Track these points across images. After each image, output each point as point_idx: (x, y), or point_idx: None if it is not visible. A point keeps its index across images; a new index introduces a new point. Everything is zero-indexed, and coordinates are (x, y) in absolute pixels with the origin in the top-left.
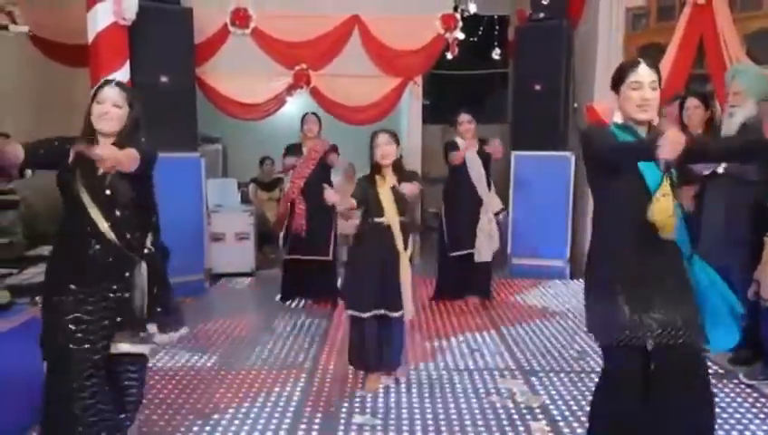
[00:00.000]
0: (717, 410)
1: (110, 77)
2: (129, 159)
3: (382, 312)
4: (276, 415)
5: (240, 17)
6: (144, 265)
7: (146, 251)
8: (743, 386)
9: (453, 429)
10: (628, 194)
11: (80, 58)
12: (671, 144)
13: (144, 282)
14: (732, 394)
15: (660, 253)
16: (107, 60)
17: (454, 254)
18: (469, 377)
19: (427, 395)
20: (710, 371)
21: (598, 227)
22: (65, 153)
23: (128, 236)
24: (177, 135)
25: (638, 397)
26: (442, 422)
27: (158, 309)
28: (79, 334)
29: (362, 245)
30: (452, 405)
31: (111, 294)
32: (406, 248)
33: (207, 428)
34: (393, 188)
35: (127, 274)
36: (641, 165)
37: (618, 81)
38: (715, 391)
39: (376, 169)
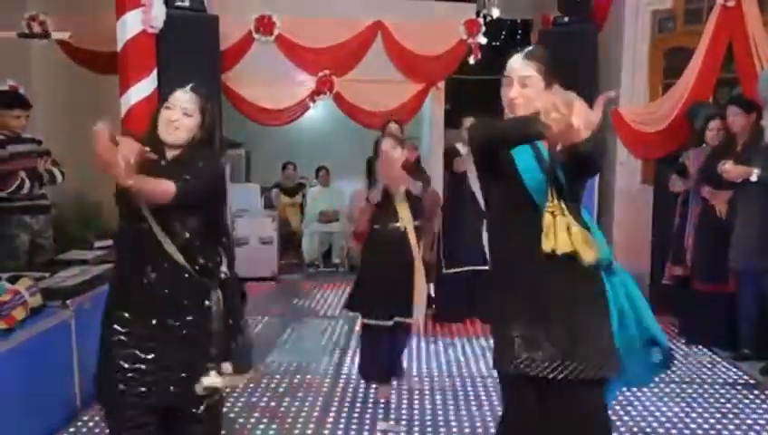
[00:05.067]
0: (749, 421)
1: (137, 84)
2: (149, 187)
3: (396, 320)
4: (300, 420)
5: (264, 24)
6: (219, 295)
7: (222, 276)
8: None
9: None
10: (512, 205)
11: (109, 65)
12: (565, 125)
13: (221, 313)
14: (764, 405)
15: (563, 274)
16: (135, 67)
17: (449, 271)
18: (493, 384)
19: (450, 402)
20: (741, 381)
21: (491, 247)
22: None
23: (201, 260)
24: None
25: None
26: (466, 430)
27: (234, 345)
28: (132, 375)
29: (375, 250)
30: (476, 412)
31: (181, 331)
32: (419, 253)
33: (233, 433)
34: (407, 192)
35: (206, 302)
36: (519, 164)
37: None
38: (746, 401)
39: None
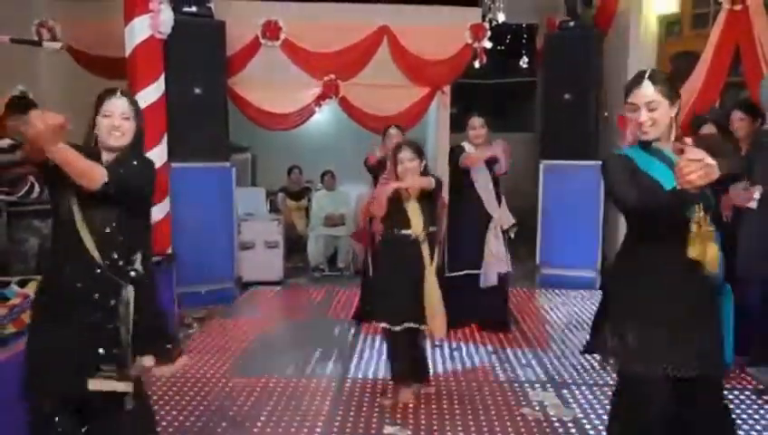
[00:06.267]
0: (758, 427)
1: (145, 89)
2: (78, 162)
3: (412, 325)
4: (307, 424)
5: (271, 29)
6: (131, 291)
7: (133, 274)
8: None
9: None
10: (660, 224)
11: (117, 70)
12: (683, 174)
13: (130, 310)
14: None
15: (691, 281)
16: (143, 72)
17: (451, 275)
18: (500, 389)
19: (457, 406)
20: (749, 387)
21: (628, 252)
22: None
23: (115, 256)
24: (208, 145)
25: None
26: (473, 434)
27: (157, 339)
28: (48, 367)
29: (388, 257)
30: (483, 417)
31: (90, 324)
32: (432, 262)
33: None
34: (419, 199)
35: (112, 301)
36: (664, 183)
37: (625, 97)
38: (755, 407)
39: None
